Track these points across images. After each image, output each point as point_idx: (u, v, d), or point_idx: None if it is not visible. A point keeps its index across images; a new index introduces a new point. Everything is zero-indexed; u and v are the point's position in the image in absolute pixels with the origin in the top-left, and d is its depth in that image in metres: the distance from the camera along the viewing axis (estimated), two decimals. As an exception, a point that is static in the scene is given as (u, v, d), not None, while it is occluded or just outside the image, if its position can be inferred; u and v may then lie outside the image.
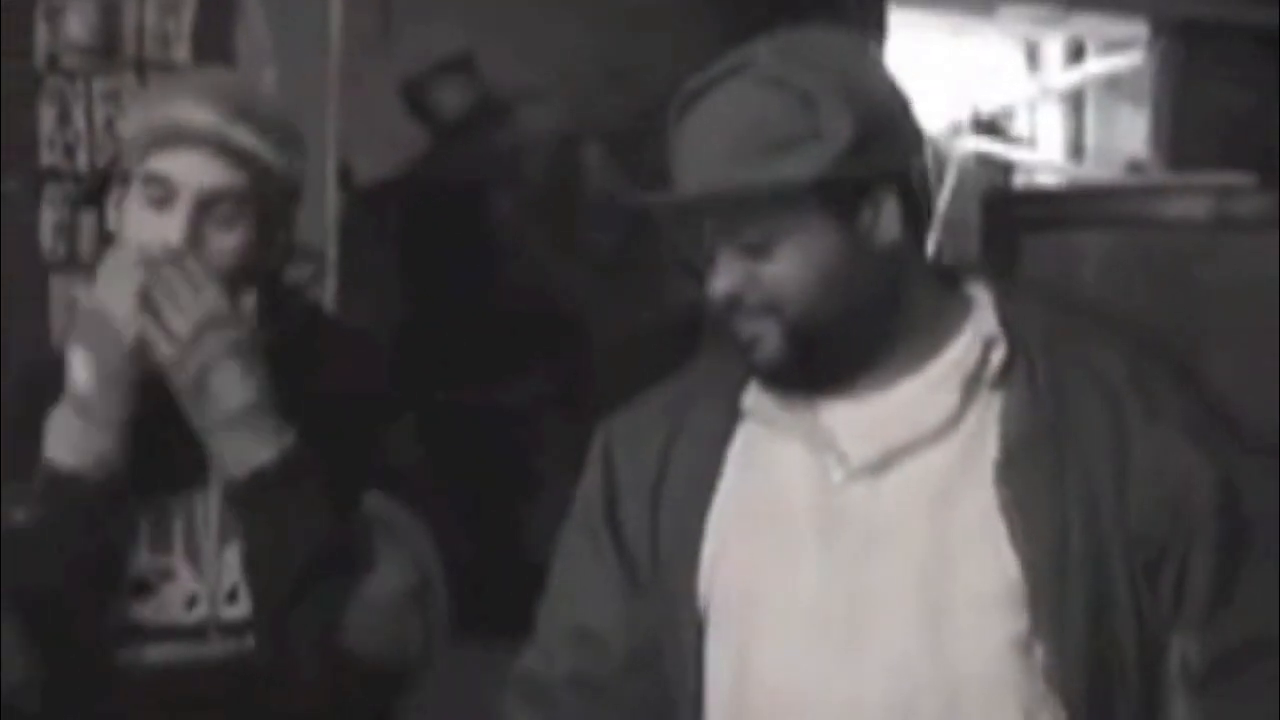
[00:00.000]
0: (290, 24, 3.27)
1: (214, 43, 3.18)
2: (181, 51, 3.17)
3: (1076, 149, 5.35)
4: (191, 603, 2.09)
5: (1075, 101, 5.34)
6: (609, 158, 3.77)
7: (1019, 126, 5.48)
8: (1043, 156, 5.42)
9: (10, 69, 3.07)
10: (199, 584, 2.09)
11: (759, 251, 1.77)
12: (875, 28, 4.06)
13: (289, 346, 2.12)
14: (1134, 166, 5.09)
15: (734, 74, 1.79)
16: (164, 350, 2.03)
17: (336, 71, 3.31)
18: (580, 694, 1.92)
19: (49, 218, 3.10)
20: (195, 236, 2.05)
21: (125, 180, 2.11)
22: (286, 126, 2.15)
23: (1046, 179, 5.40)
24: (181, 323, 2.02)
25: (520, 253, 3.65)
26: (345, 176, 3.32)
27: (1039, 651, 1.75)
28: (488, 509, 3.38)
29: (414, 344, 3.44)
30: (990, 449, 1.79)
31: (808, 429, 1.83)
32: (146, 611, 2.09)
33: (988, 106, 5.45)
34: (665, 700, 1.88)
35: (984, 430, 1.80)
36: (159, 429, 2.07)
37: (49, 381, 2.11)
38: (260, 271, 2.11)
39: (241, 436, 2.03)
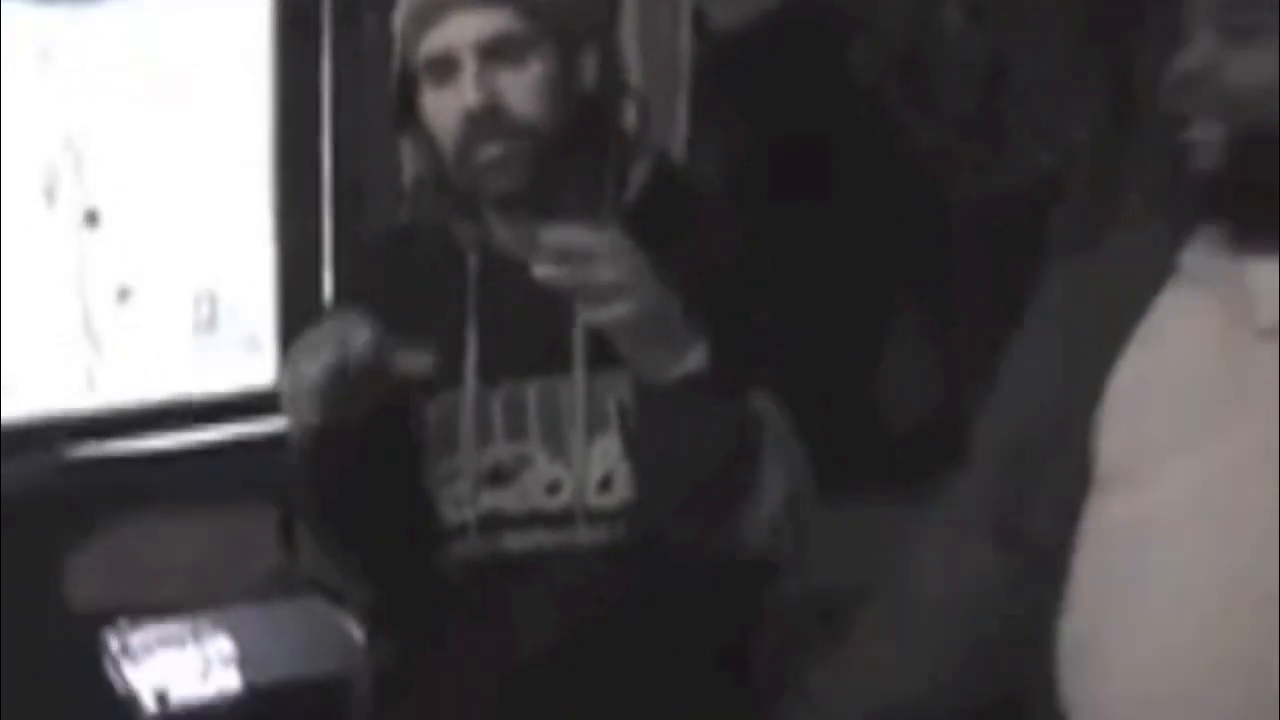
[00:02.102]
0: None
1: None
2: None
3: None
4: (554, 488, 2.03)
5: None
6: (969, 19, 3.62)
7: None
8: None
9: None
10: (562, 470, 2.03)
11: None
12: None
13: (647, 212, 2.04)
14: None
15: None
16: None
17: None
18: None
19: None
20: (488, 87, 1.98)
21: (419, 81, 2.06)
22: None
23: None
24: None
25: (876, 106, 3.53)
26: (699, 22, 3.24)
27: None
28: (839, 372, 3.30)
29: (762, 197, 3.36)
30: None
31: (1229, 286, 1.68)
32: (506, 499, 2.04)
33: None
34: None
35: None
36: (504, 315, 2.02)
37: (391, 256, 2.13)
38: (578, 100, 2.02)
39: (665, 339, 1.90)
